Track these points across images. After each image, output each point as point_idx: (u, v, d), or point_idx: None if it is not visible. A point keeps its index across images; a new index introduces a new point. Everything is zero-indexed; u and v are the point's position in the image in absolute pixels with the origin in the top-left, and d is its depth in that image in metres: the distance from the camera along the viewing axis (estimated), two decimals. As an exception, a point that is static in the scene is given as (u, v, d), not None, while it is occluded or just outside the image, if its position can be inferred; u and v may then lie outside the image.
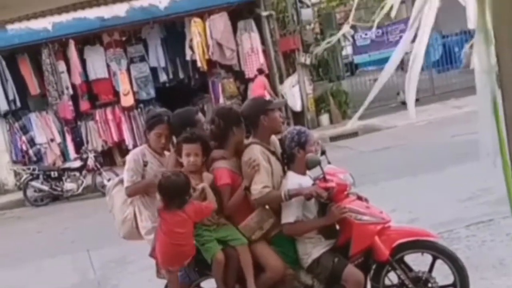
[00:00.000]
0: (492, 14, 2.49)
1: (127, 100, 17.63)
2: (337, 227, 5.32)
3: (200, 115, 5.87)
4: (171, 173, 5.12)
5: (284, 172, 5.34)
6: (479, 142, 2.64)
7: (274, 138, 5.51)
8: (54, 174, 15.35)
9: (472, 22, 2.71)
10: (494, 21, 2.46)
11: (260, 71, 17.27)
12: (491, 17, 2.51)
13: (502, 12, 2.41)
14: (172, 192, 5.03)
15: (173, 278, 5.36)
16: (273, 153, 5.37)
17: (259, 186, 5.07)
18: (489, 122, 2.65)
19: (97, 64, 17.63)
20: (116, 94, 17.83)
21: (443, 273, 5.35)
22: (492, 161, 2.59)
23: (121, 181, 5.90)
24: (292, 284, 5.26)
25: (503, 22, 2.44)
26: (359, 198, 5.41)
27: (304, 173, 5.28)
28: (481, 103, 2.63)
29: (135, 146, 15.68)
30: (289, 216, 5.11)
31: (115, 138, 17.71)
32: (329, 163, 5.55)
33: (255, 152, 5.20)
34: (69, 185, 15.19)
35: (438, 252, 5.30)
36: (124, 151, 16.26)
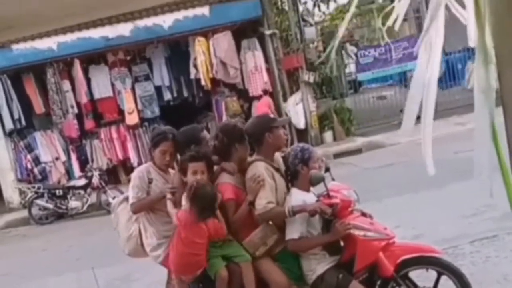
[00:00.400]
0: (492, 34, 2.53)
1: (132, 119, 17.70)
2: (342, 243, 5.34)
3: (205, 132, 5.94)
4: (206, 183, 5.20)
5: (288, 189, 5.38)
6: (474, 161, 2.69)
7: (278, 156, 5.56)
8: (59, 192, 15.38)
9: (472, 41, 2.75)
10: (495, 40, 2.49)
11: (265, 92, 17.37)
12: (492, 36, 2.55)
13: (502, 32, 2.45)
14: (206, 202, 5.11)
15: None
16: (277, 169, 5.41)
17: (263, 202, 5.11)
18: (486, 141, 2.69)
19: (102, 83, 17.71)
20: (121, 112, 17.90)
21: (448, 290, 5.37)
22: (487, 179, 2.64)
23: (126, 199, 5.96)
24: (297, 300, 5.28)
25: (504, 42, 2.48)
26: (363, 214, 5.44)
27: (308, 190, 5.32)
28: (478, 122, 2.67)
29: (140, 164, 15.65)
30: (293, 232, 5.14)
31: (120, 156, 17.76)
32: (333, 179, 5.56)
33: (259, 168, 5.25)
34: (74, 203, 15.22)
35: (443, 268, 5.31)
36: (129, 169, 16.32)
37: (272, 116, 5.76)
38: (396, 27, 2.86)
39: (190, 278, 5.37)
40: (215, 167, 5.49)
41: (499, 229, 7.32)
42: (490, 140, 2.64)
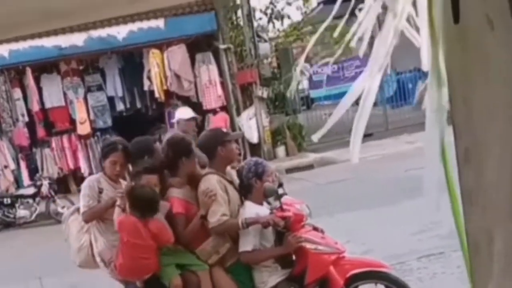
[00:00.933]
0: (445, 58, 2.64)
1: (84, 129, 17.54)
2: (294, 256, 5.40)
3: (157, 144, 5.96)
4: (145, 185, 5.22)
5: (242, 202, 5.42)
6: (424, 179, 2.79)
7: (230, 169, 5.61)
8: (7, 201, 15.11)
9: (425, 65, 2.86)
10: (447, 64, 2.61)
11: (222, 108, 17.42)
12: (444, 60, 2.66)
13: (453, 56, 2.57)
14: (145, 203, 5.13)
15: None
16: (230, 182, 5.45)
17: (217, 215, 5.14)
18: (435, 159, 2.79)
19: (54, 92, 17.49)
20: (73, 122, 17.71)
21: (395, 304, 5.46)
22: (436, 198, 2.74)
23: (77, 210, 5.92)
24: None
25: (455, 67, 2.60)
26: (315, 229, 5.52)
27: (261, 204, 5.37)
28: (428, 141, 2.77)
29: (90, 174, 15.47)
30: (246, 244, 5.18)
31: (71, 166, 17.54)
32: (285, 194, 5.63)
33: (212, 181, 5.28)
34: (22, 212, 14.95)
35: (391, 283, 5.41)
36: (79, 179, 16.08)
37: (225, 130, 5.81)
38: (353, 44, 2.96)
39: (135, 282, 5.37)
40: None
41: (446, 246, 7.45)
42: (439, 159, 2.74)
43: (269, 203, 5.39)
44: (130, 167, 5.81)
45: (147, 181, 5.28)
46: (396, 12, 2.80)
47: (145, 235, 5.13)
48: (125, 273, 5.38)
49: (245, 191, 5.43)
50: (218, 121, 16.71)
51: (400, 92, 20.73)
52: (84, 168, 17.38)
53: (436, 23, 2.55)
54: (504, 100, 2.35)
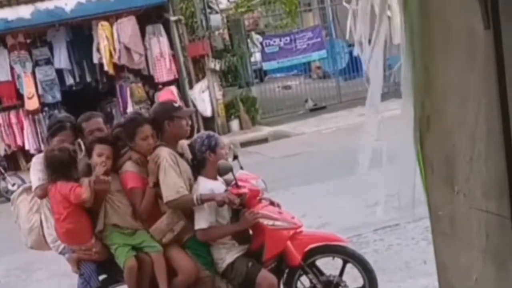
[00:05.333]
0: (408, 27, 2.61)
1: (32, 104, 17.13)
2: (251, 232, 5.34)
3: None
4: (56, 147, 5.23)
5: (195, 177, 5.30)
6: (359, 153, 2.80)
7: (183, 143, 5.48)
8: (-46, 179, 14.72)
9: (397, 38, 2.83)
10: (410, 33, 2.58)
11: (174, 80, 17.24)
12: (408, 29, 2.63)
13: (416, 25, 2.54)
14: (55, 165, 5.16)
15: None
16: (182, 155, 5.34)
17: (173, 187, 5.03)
18: (373, 134, 2.82)
19: (1, 66, 17.05)
20: (21, 97, 17.30)
21: (353, 276, 5.49)
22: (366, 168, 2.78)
23: (25, 190, 5.75)
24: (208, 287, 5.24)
25: (417, 34, 2.56)
26: (272, 203, 5.47)
27: (215, 178, 5.29)
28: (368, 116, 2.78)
29: (38, 150, 15.39)
30: (202, 222, 5.10)
31: (19, 142, 17.19)
32: (241, 168, 5.57)
33: (162, 153, 5.16)
34: (-29, 190, 14.58)
35: (348, 256, 5.44)
36: (29, 156, 15.83)
37: (176, 104, 5.65)
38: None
39: (82, 248, 5.29)
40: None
41: (401, 218, 7.50)
42: (416, 132, 2.74)
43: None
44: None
45: (99, 151, 5.19)
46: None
47: (58, 197, 5.14)
48: (67, 241, 5.35)
49: (199, 165, 5.32)
50: (164, 97, 16.43)
51: (353, 64, 20.71)
52: (32, 144, 17.02)
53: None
54: (463, 67, 2.32)
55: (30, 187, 5.62)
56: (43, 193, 5.48)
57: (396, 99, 3.73)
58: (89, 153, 5.32)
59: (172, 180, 5.06)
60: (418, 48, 2.61)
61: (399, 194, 3.09)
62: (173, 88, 17.11)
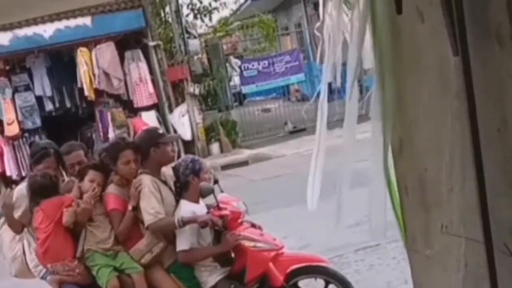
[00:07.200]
0: (378, 49, 2.67)
1: (12, 130, 17.05)
2: (232, 254, 5.37)
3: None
4: (39, 174, 5.37)
5: (177, 202, 5.34)
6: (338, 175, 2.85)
7: (165, 170, 5.53)
8: None
9: (368, 63, 2.90)
10: (380, 55, 2.64)
11: (153, 105, 17.29)
12: (378, 51, 2.69)
13: (387, 47, 2.60)
14: (35, 189, 5.26)
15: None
16: (164, 182, 5.38)
17: (151, 212, 5.06)
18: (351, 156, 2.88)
19: (-21, 93, 16.99)
20: (0, 123, 17.24)
21: (335, 297, 5.50)
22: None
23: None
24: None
25: (388, 56, 2.62)
26: (253, 225, 5.51)
27: (197, 201, 5.32)
28: (347, 138, 2.85)
29: (19, 176, 15.37)
30: (183, 243, 5.13)
31: (-1, 168, 17.09)
32: (222, 191, 5.62)
33: (144, 179, 5.20)
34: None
35: (330, 276, 5.48)
36: (9, 182, 15.78)
37: (160, 131, 5.73)
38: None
39: (66, 271, 5.27)
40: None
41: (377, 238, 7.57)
42: (386, 152, 2.77)
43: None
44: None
45: (91, 177, 5.27)
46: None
47: (39, 217, 5.23)
48: (47, 259, 5.32)
49: (181, 189, 5.37)
50: (139, 126, 16.38)
51: (331, 86, 20.87)
52: (12, 170, 16.91)
53: (378, 17, 2.56)
54: (434, 91, 2.38)
55: None
56: (19, 229, 5.53)
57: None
58: (81, 176, 5.37)
59: (151, 205, 5.10)
60: (389, 72, 2.65)
61: (370, 216, 3.14)
62: (145, 117, 17.11)
